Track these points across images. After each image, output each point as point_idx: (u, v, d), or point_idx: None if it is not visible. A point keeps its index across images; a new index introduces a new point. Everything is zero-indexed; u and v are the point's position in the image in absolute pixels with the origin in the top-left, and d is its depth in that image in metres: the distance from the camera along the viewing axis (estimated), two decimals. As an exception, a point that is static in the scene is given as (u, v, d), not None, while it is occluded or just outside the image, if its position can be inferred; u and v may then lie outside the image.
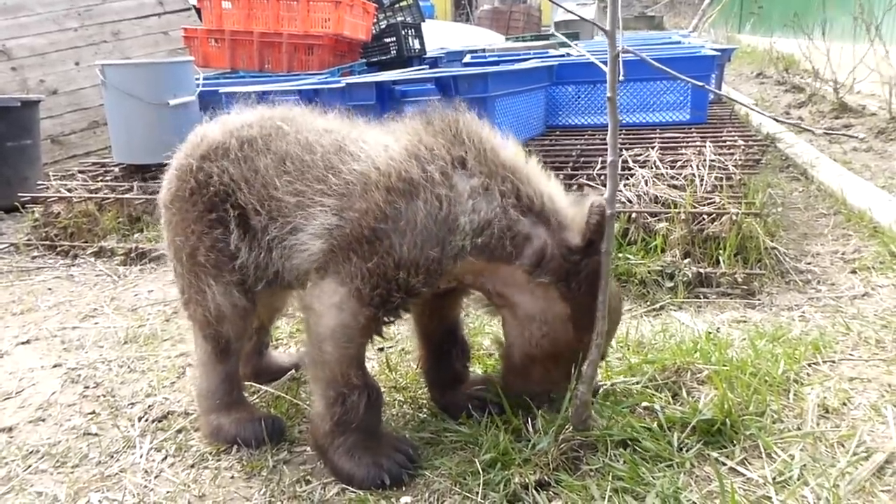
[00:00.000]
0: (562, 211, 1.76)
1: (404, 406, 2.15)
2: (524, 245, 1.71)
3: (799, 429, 1.88)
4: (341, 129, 1.88)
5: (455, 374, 2.08)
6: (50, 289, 3.47)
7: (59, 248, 4.01)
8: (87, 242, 4.00)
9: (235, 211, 1.85)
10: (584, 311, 1.74)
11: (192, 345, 2.14)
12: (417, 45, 7.10)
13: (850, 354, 2.29)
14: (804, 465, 1.71)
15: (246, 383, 2.31)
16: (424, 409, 2.11)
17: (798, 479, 1.67)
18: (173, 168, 1.97)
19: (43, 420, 2.22)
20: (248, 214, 1.84)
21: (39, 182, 4.58)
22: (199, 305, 1.92)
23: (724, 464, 1.76)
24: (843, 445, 1.80)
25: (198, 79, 4.73)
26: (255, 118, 1.93)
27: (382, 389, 2.20)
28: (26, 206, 4.39)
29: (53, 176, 4.58)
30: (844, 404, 1.99)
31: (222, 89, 4.43)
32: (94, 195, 4.23)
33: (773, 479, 1.68)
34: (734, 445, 1.81)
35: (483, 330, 2.58)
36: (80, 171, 4.70)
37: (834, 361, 2.24)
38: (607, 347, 1.83)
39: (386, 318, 1.78)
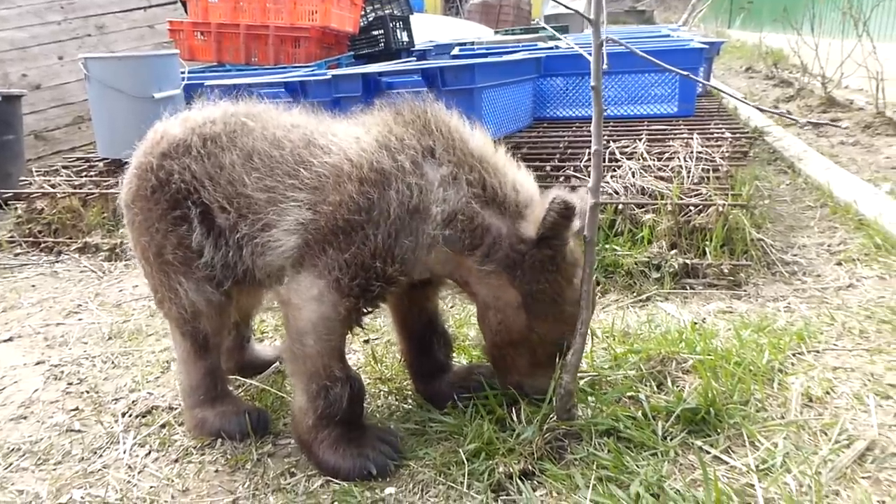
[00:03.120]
0: (525, 201, 1.77)
1: (389, 397, 2.14)
2: (483, 236, 1.73)
3: (782, 417, 1.88)
4: (308, 124, 1.88)
5: (438, 364, 2.07)
6: (33, 286, 3.45)
7: (42, 245, 3.98)
8: (71, 238, 3.97)
9: (197, 209, 1.83)
10: (535, 298, 1.75)
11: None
12: (405, 38, 7.08)
13: (835, 344, 2.29)
14: (787, 453, 1.72)
15: (231, 377, 2.30)
16: (409, 400, 2.11)
17: (781, 467, 1.67)
18: (133, 167, 1.94)
19: (25, 418, 2.20)
20: (212, 212, 1.82)
21: (22, 178, 4.54)
22: (173, 303, 1.90)
23: (708, 452, 1.76)
24: (825, 433, 1.80)
25: (183, 72, 4.70)
26: (219, 114, 1.91)
27: (368, 381, 2.21)
28: (9, 202, 4.35)
29: (37, 172, 4.54)
30: (828, 393, 1.99)
31: (208, 82, 4.40)
32: (78, 191, 4.20)
33: (757, 466, 1.68)
34: (718, 434, 1.82)
35: (469, 321, 2.58)
36: (64, 167, 4.65)
37: (818, 351, 2.25)
38: (581, 341, 1.82)
39: (365, 309, 1.78)
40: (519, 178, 1.81)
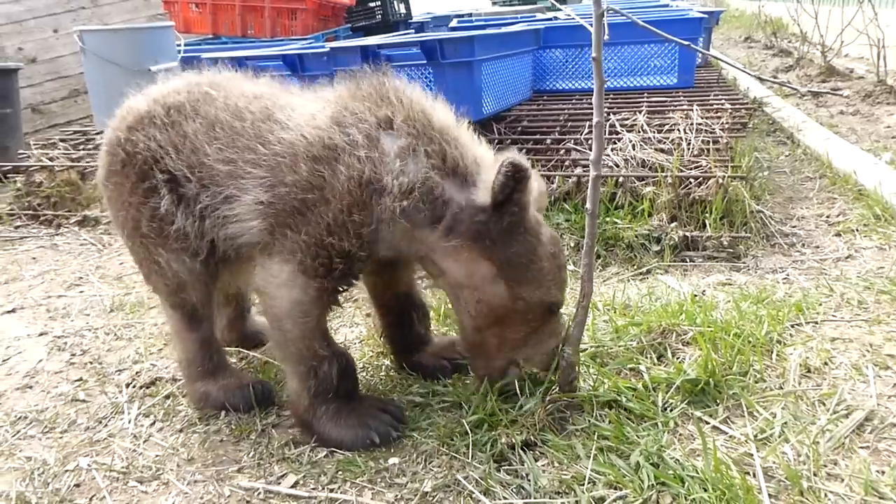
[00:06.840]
0: (484, 173, 1.70)
1: (392, 371, 2.16)
2: (445, 208, 1.67)
3: (781, 388, 1.90)
4: (271, 96, 1.85)
5: (419, 337, 2.09)
6: (34, 258, 3.45)
7: (42, 218, 3.98)
8: (70, 211, 3.97)
9: (164, 177, 1.83)
10: (510, 264, 1.69)
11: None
12: (403, 10, 7.01)
13: (833, 315, 2.31)
14: (785, 423, 1.74)
15: (234, 349, 2.32)
16: (412, 374, 2.12)
17: (779, 437, 1.70)
18: (104, 145, 1.96)
19: (30, 387, 2.22)
20: (178, 181, 1.82)
21: (21, 151, 4.53)
22: (158, 276, 1.91)
23: (707, 422, 1.78)
24: (823, 404, 1.82)
25: (179, 45, 4.65)
26: (183, 85, 1.91)
27: (370, 354, 2.23)
28: (8, 175, 4.34)
29: (35, 145, 4.52)
30: (826, 364, 2.01)
31: (204, 55, 4.35)
32: (76, 164, 4.18)
33: (755, 436, 1.71)
34: (717, 404, 1.84)
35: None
36: (62, 140, 4.64)
37: (817, 322, 2.26)
38: (562, 293, 1.79)
39: (339, 287, 1.76)
40: (480, 152, 1.76)
